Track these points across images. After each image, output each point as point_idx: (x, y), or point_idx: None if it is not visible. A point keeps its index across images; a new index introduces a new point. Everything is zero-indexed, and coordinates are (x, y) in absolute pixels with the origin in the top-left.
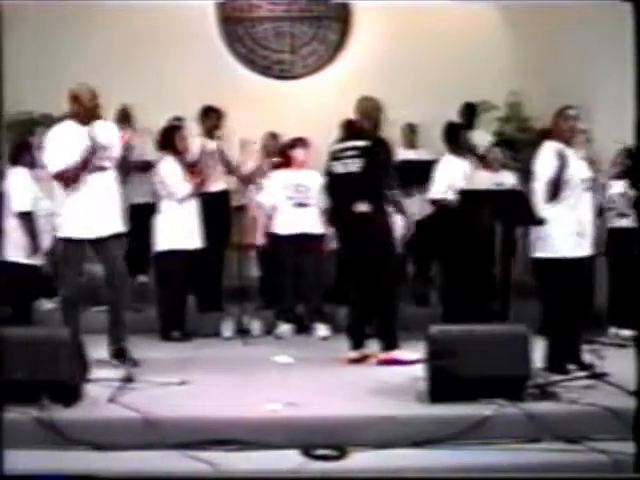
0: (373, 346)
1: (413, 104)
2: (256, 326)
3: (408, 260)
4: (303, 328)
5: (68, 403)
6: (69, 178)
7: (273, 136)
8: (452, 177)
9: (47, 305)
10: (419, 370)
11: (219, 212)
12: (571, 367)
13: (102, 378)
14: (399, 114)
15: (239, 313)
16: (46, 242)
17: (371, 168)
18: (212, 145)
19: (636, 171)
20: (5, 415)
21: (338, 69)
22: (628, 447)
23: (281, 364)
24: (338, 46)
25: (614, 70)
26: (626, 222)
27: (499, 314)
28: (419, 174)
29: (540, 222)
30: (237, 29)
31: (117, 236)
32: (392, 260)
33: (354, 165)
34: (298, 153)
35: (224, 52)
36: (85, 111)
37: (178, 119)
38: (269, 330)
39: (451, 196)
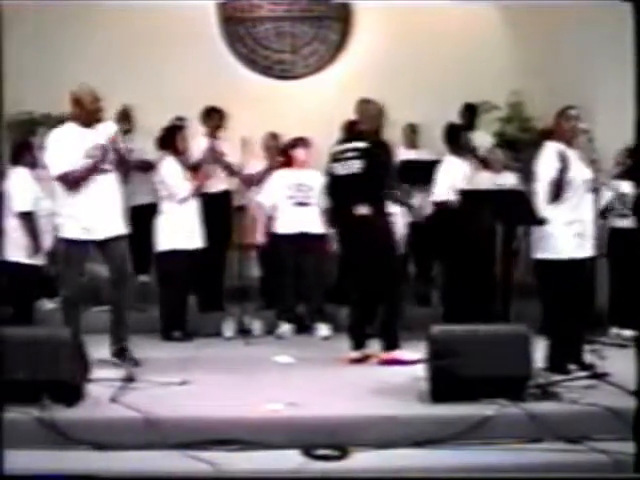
0: (374, 346)
1: (414, 104)
2: (257, 326)
3: (409, 260)
4: (304, 328)
5: (69, 403)
6: (74, 180)
7: (273, 136)
8: (454, 178)
9: (48, 305)
10: (420, 370)
11: (220, 212)
12: (572, 367)
13: (103, 378)
14: (400, 114)
15: (240, 313)
16: (47, 242)
17: (371, 169)
18: (215, 145)
19: (636, 171)
20: (6, 415)
21: (339, 69)
22: (629, 447)
23: (282, 364)
24: (339, 46)
25: (615, 70)
26: (627, 222)
27: (500, 314)
28: (421, 174)
29: (541, 222)
30: (238, 29)
31: (121, 237)
32: (394, 261)
33: (354, 166)
34: (299, 153)
35: (225, 52)
36: (87, 114)
37: (180, 119)
38: (270, 330)
39: (453, 197)
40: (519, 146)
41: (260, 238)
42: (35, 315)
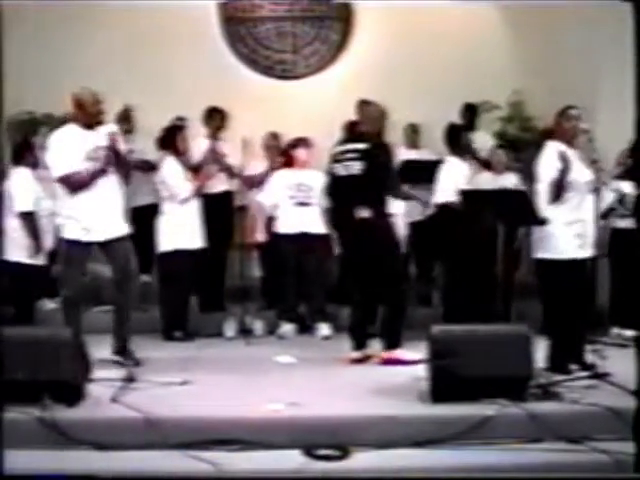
0: (375, 346)
1: (415, 104)
2: (258, 326)
3: (410, 260)
4: (305, 328)
5: (70, 403)
6: (77, 184)
7: (274, 136)
8: (456, 179)
9: (49, 305)
10: (421, 370)
11: (221, 213)
12: (573, 367)
13: (104, 378)
14: (401, 114)
15: (241, 313)
16: (48, 242)
17: (372, 171)
18: (215, 147)
19: (637, 171)
20: (7, 415)
21: (340, 69)
22: (630, 447)
23: (283, 364)
24: (340, 46)
25: (615, 69)
26: (628, 223)
27: (501, 314)
28: (422, 174)
29: (542, 222)
30: (239, 29)
31: (124, 237)
32: (396, 262)
33: (355, 168)
34: (300, 153)
35: (226, 52)
36: (88, 116)
37: (180, 119)
38: (271, 330)
39: (455, 198)
40: (520, 146)
41: (260, 237)
42: (36, 315)
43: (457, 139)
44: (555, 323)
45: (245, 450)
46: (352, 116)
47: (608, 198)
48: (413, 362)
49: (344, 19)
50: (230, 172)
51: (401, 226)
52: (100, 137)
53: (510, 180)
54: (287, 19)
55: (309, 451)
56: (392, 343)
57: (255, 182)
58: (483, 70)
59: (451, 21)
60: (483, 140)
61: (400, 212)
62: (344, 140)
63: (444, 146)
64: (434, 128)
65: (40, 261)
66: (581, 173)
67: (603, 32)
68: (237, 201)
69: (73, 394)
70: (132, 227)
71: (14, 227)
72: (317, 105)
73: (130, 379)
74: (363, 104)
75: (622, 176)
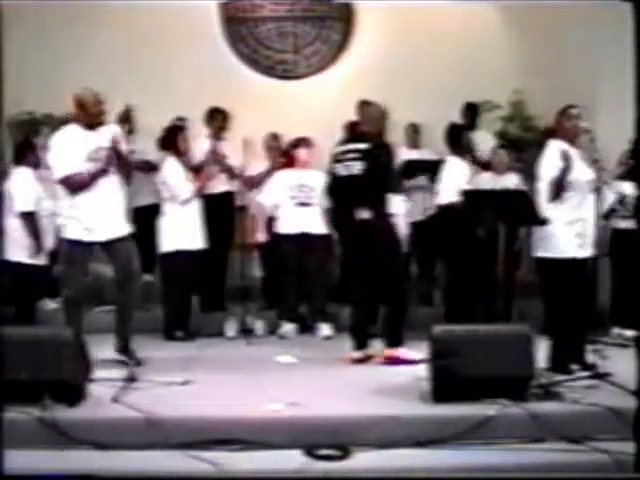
0: (376, 346)
1: (416, 104)
2: (259, 326)
3: (412, 260)
4: (306, 328)
5: (71, 403)
6: (78, 185)
7: (275, 137)
8: (457, 180)
9: (51, 305)
10: (422, 370)
11: (222, 213)
12: (574, 367)
13: (105, 378)
14: (402, 114)
15: (242, 313)
16: (49, 242)
17: (373, 171)
18: (216, 148)
19: (637, 172)
20: (8, 415)
21: (341, 69)
22: (631, 447)
23: (284, 364)
24: (341, 46)
25: (616, 69)
26: (629, 224)
27: (502, 314)
28: (423, 174)
29: (543, 222)
30: (240, 29)
31: (125, 237)
32: (397, 262)
33: (356, 168)
34: (301, 153)
35: (227, 52)
36: (90, 116)
37: (181, 119)
38: (272, 330)
39: (457, 198)
40: (521, 145)
41: (261, 238)
42: (37, 315)
43: (458, 139)
44: (556, 322)
45: (246, 450)
46: (353, 116)
47: (609, 198)
48: (415, 361)
49: (345, 19)
50: (231, 173)
51: (402, 226)
52: (102, 137)
53: (511, 180)
54: (288, 19)
55: (310, 451)
56: (394, 342)
57: (255, 182)
58: (484, 70)
59: (452, 21)
60: (484, 140)
61: (401, 212)
62: (345, 140)
63: (445, 146)
64: (435, 128)
65: (41, 261)
66: (583, 172)
67: (604, 32)
68: (238, 201)
69: (74, 394)
70: (134, 227)
71: (15, 227)
72: (318, 105)
73: (131, 379)
74: (364, 104)
75: (623, 176)
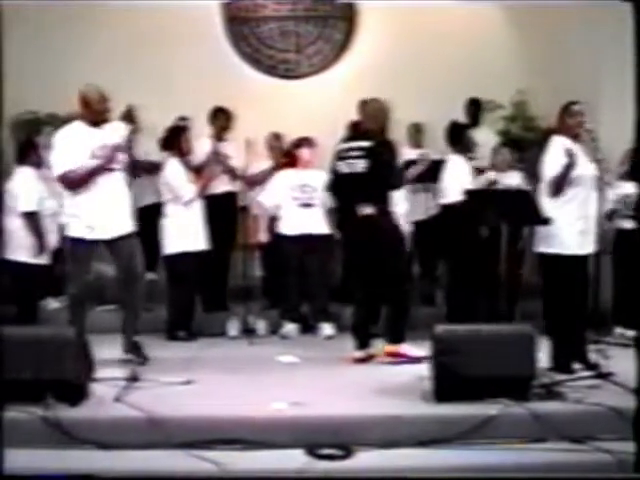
0: (378, 346)
1: (418, 104)
2: (261, 326)
3: (414, 260)
4: (308, 327)
5: (73, 402)
6: (75, 180)
7: (276, 136)
8: (460, 179)
9: (53, 304)
10: (424, 369)
11: (225, 213)
12: (577, 367)
13: (107, 377)
14: (404, 114)
15: (244, 313)
16: (52, 242)
17: (376, 169)
18: (218, 148)
19: (637, 172)
20: (11, 414)
21: (343, 68)
22: (633, 447)
23: (286, 363)
24: (343, 46)
25: (619, 69)
26: (632, 224)
27: (504, 314)
28: (425, 173)
29: (546, 222)
30: (242, 29)
31: (129, 235)
32: (400, 261)
33: (359, 166)
34: (304, 153)
35: (229, 52)
36: (94, 113)
37: (183, 119)
38: (274, 330)
39: (460, 197)
40: (523, 145)
41: (263, 238)
42: (40, 314)
43: (459, 137)
44: (555, 321)
45: (248, 450)
46: (355, 116)
47: (611, 198)
48: (417, 358)
49: (347, 18)
50: (233, 173)
51: (404, 226)
52: (106, 135)
53: (514, 178)
54: (290, 18)
55: (312, 451)
56: (396, 338)
57: (257, 181)
58: (486, 70)
59: (454, 21)
60: (486, 137)
61: (403, 211)
62: (348, 138)
63: (446, 145)
64: (437, 128)
65: (43, 261)
66: (587, 168)
67: (606, 32)
68: (240, 201)
69: (76, 393)
70: (138, 226)
71: (18, 227)
72: (320, 105)
73: (133, 378)
74: (364, 102)
75: (625, 176)
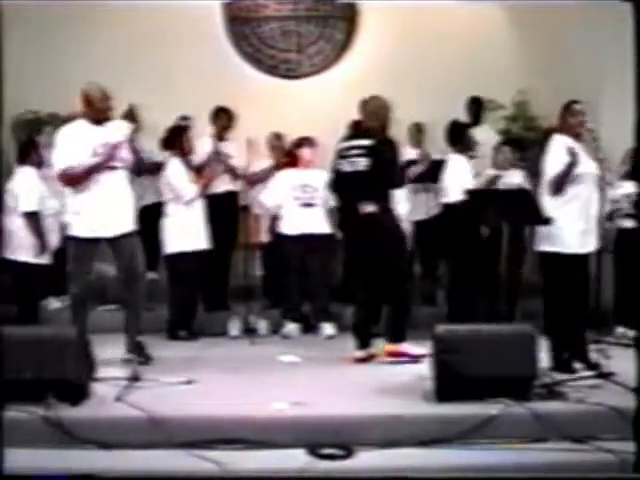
0: (379, 345)
1: (419, 104)
2: (263, 325)
3: (415, 259)
4: (309, 327)
5: (74, 402)
6: (74, 178)
7: (277, 136)
8: (462, 178)
9: (54, 304)
10: (425, 369)
11: (226, 212)
12: (578, 366)
13: (109, 377)
14: (405, 114)
15: (246, 312)
16: (53, 241)
17: (378, 167)
18: (218, 148)
19: (638, 171)
20: (12, 414)
21: (344, 68)
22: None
23: (287, 363)
24: (344, 45)
25: (620, 69)
26: (632, 223)
27: (505, 314)
28: (427, 173)
29: (547, 221)
30: (243, 28)
31: (130, 234)
32: (402, 260)
33: (360, 164)
34: (305, 152)
35: (231, 52)
36: (96, 112)
37: (185, 118)
38: (276, 329)
39: (461, 196)
40: (524, 145)
41: (265, 238)
42: (41, 314)
43: (459, 137)
44: (556, 320)
45: (249, 449)
46: (356, 116)
47: (613, 197)
48: (418, 356)
49: (348, 18)
50: (234, 173)
51: (406, 226)
52: (109, 133)
53: (515, 177)
54: (291, 18)
55: (313, 450)
56: (397, 338)
57: (257, 180)
58: (487, 70)
59: (456, 21)
60: (487, 135)
61: (404, 211)
62: (349, 136)
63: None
64: (438, 127)
65: (45, 260)
66: (588, 166)
67: (607, 32)
68: (241, 201)
69: (77, 393)
70: (139, 225)
71: (19, 226)
72: (321, 104)
73: (134, 378)
74: (364, 100)
75: (627, 176)
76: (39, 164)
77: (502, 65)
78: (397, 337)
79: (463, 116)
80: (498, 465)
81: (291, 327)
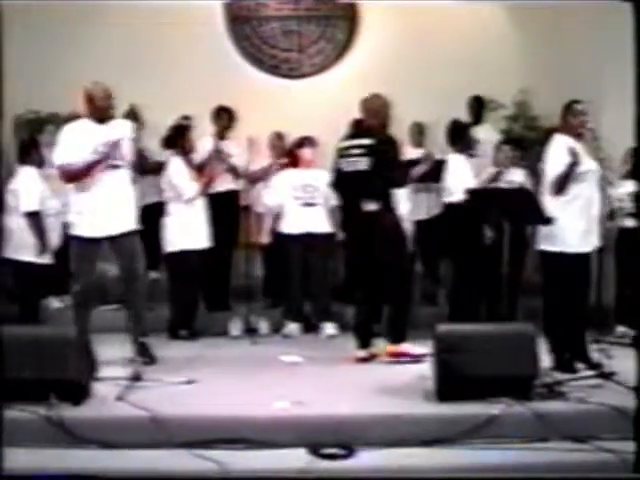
0: (380, 345)
1: (420, 103)
2: (264, 325)
3: (416, 259)
4: (311, 327)
5: (76, 402)
6: (73, 173)
7: (279, 136)
8: (463, 178)
9: (56, 304)
10: (426, 369)
11: (227, 212)
12: (579, 366)
13: (110, 377)
14: (407, 113)
15: (247, 312)
16: (54, 241)
17: (379, 166)
18: (219, 147)
19: (638, 171)
20: (13, 413)
21: (345, 68)
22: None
23: (288, 363)
24: (345, 45)
25: (621, 69)
26: (634, 222)
27: (506, 313)
28: (428, 173)
29: (548, 221)
30: (245, 28)
31: (131, 233)
32: (403, 259)
33: (361, 163)
34: (306, 152)
35: (232, 51)
36: (98, 110)
37: (186, 118)
38: (277, 329)
39: (463, 196)
40: (525, 144)
41: (266, 239)
42: (42, 314)
43: (460, 136)
44: (556, 319)
45: (250, 449)
46: (357, 115)
47: (617, 196)
48: (419, 356)
49: (350, 18)
50: (235, 172)
51: (407, 226)
52: (111, 131)
53: (517, 175)
54: (292, 18)
55: (314, 450)
56: (397, 338)
57: (257, 178)
58: (488, 69)
59: (457, 21)
60: (489, 134)
61: (405, 211)
62: (350, 135)
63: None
64: (439, 127)
65: (46, 260)
66: (590, 166)
67: (608, 32)
68: (242, 200)
69: (79, 393)
70: (140, 225)
71: (20, 226)
72: (322, 104)
73: (136, 378)
74: (365, 98)
75: (628, 175)
76: (40, 164)
77: (503, 64)
78: (397, 337)
79: (464, 115)
80: (499, 465)
81: (292, 327)
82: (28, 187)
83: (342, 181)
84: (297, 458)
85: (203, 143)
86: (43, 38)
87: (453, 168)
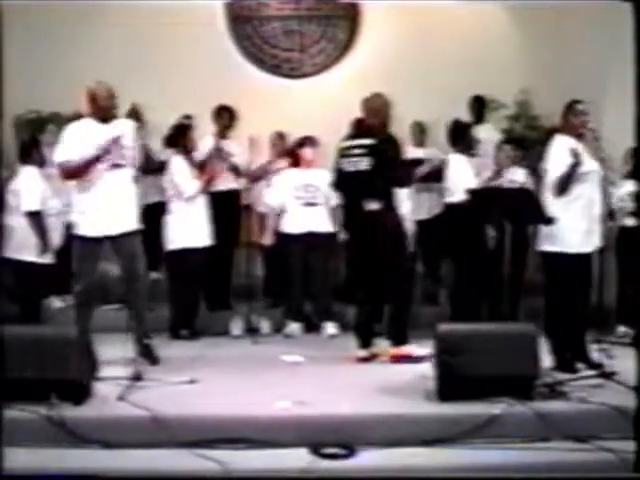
0: (381, 344)
1: (422, 103)
2: (265, 325)
3: (418, 259)
4: (312, 327)
5: (77, 401)
6: (72, 170)
7: (280, 136)
8: (465, 178)
9: (57, 303)
10: (427, 369)
11: (228, 211)
12: (580, 366)
13: (111, 376)
14: (408, 113)
15: (248, 312)
16: (56, 240)
17: (380, 166)
18: (220, 145)
19: (638, 171)
20: (14, 413)
21: (346, 68)
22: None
23: (290, 363)
24: (347, 45)
25: (623, 69)
26: (635, 221)
27: (508, 313)
28: (428, 173)
29: (549, 221)
30: (246, 28)
31: (132, 233)
32: (404, 258)
33: (363, 163)
34: (307, 152)
35: (233, 51)
36: (101, 109)
37: (188, 117)
38: (278, 329)
39: (464, 195)
40: (526, 144)
41: (267, 240)
42: (44, 314)
43: (461, 136)
44: (557, 319)
45: (252, 449)
46: (359, 115)
47: (614, 196)
48: (422, 357)
49: (351, 18)
50: (236, 171)
51: (409, 225)
52: (113, 131)
53: (518, 175)
54: (294, 18)
55: (316, 449)
56: (399, 340)
57: (257, 176)
58: (490, 69)
59: (458, 20)
60: (490, 134)
61: (406, 211)
62: (351, 135)
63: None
64: (441, 127)
65: (47, 260)
66: (591, 165)
67: (609, 32)
68: (243, 200)
69: (80, 392)
70: (142, 224)
71: (21, 226)
72: (324, 104)
73: (137, 378)
74: (365, 98)
75: (629, 175)
76: (41, 163)
77: (504, 64)
78: (399, 339)
79: (465, 115)
80: (500, 464)
81: (293, 326)
82: (29, 187)
83: (343, 181)
84: (298, 458)
85: (204, 142)
86: (43, 38)
87: (454, 168)
